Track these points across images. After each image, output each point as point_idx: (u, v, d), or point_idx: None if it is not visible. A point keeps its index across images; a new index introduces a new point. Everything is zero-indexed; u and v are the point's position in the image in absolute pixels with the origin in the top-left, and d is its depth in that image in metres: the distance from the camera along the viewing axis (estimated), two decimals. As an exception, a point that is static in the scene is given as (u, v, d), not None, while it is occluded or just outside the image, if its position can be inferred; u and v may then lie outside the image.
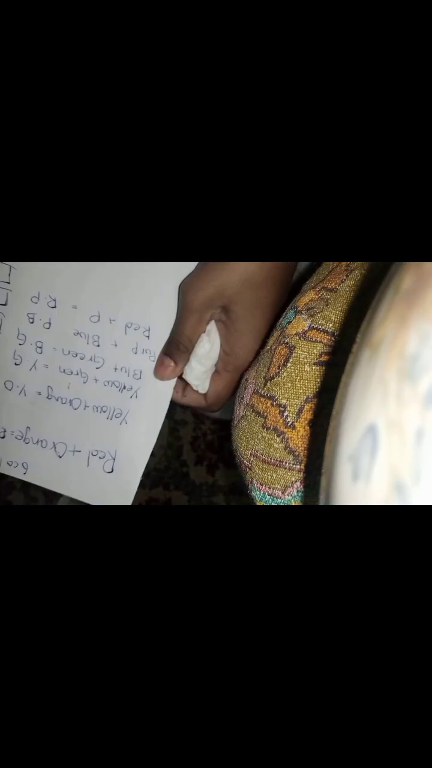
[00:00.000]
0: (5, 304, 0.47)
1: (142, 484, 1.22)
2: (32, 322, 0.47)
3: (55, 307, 0.47)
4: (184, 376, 0.45)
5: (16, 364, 0.47)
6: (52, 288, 0.47)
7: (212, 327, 0.44)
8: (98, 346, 0.47)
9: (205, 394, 0.46)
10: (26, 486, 1.22)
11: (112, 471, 0.47)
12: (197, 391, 0.45)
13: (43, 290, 0.47)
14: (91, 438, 0.47)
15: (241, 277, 0.40)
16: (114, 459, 0.47)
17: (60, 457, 0.47)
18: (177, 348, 0.44)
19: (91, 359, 0.47)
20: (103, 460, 0.47)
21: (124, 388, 0.47)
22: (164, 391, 0.46)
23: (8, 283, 0.47)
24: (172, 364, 0.44)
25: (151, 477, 1.23)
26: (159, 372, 0.45)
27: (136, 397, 0.47)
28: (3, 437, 0.48)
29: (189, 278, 0.43)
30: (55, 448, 0.47)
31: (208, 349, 0.44)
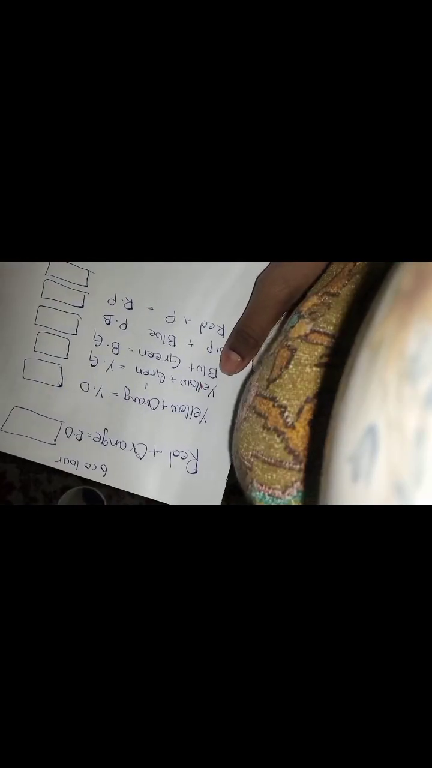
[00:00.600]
0: (82, 306, 0.47)
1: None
2: (108, 324, 0.47)
3: (131, 308, 0.47)
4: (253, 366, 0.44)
5: (92, 365, 0.47)
6: (129, 290, 0.47)
7: None
8: (174, 345, 0.47)
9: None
10: (26, 486, 1.22)
11: (196, 472, 0.46)
12: None
13: (119, 292, 0.47)
14: (171, 438, 0.46)
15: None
16: (197, 459, 0.46)
17: (140, 458, 0.47)
18: (245, 341, 0.43)
19: (167, 359, 0.47)
20: (185, 461, 0.46)
21: (201, 387, 0.46)
22: (240, 387, 0.46)
23: (86, 286, 0.47)
24: (239, 358, 0.43)
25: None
26: (225, 367, 0.45)
27: (213, 395, 0.46)
28: (80, 439, 0.47)
29: (269, 270, 0.43)
30: (134, 449, 0.47)
31: None
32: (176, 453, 0.46)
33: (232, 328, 0.46)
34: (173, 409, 0.47)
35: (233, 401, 0.46)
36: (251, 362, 0.45)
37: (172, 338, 0.47)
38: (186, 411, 0.46)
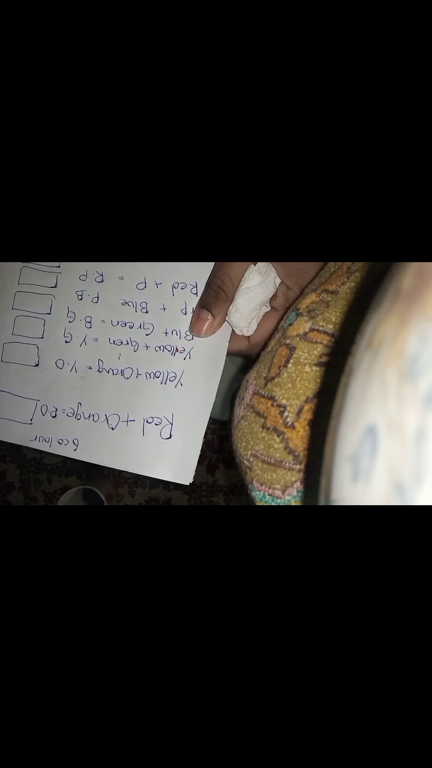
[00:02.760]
0: (55, 287, 0.47)
1: (142, 484, 1.22)
2: (81, 299, 0.47)
3: (102, 281, 0.47)
4: (227, 318, 0.41)
5: (66, 341, 0.47)
6: (99, 264, 0.46)
7: (264, 263, 0.40)
8: (146, 312, 0.45)
9: (248, 337, 0.42)
10: (26, 486, 1.22)
11: (170, 437, 0.44)
12: (242, 334, 0.41)
13: (90, 268, 0.47)
14: (145, 405, 0.44)
15: None
16: (172, 423, 0.44)
17: (113, 429, 0.45)
18: (216, 295, 0.40)
19: (140, 326, 0.46)
20: (159, 427, 0.44)
21: (176, 350, 0.44)
22: (219, 346, 0.44)
23: (58, 266, 0.47)
24: (210, 317, 0.40)
25: (150, 477, 1.23)
26: (194, 328, 0.41)
27: (190, 357, 0.44)
28: (54, 416, 0.46)
29: None
30: (107, 420, 0.45)
31: (258, 280, 0.40)
32: (150, 420, 0.45)
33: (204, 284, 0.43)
34: (147, 376, 0.45)
35: (212, 360, 0.44)
36: (226, 320, 0.42)
37: (144, 305, 0.46)
38: (161, 377, 0.45)
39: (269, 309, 0.43)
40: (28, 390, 0.48)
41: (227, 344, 0.43)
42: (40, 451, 1.26)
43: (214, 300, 0.40)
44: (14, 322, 0.48)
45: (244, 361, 0.45)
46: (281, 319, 0.40)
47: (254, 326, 0.42)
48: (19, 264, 0.48)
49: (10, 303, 0.48)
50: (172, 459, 0.44)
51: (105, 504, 1.06)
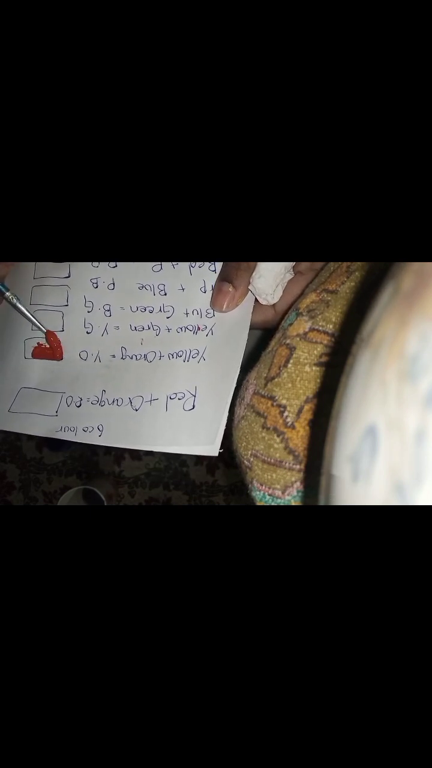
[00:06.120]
0: (69, 276, 0.47)
1: (142, 484, 1.22)
2: (96, 287, 0.46)
3: (115, 266, 0.45)
4: (250, 287, 0.40)
5: (87, 332, 0.46)
6: None
7: None
8: (165, 294, 0.44)
9: (274, 305, 0.40)
10: (26, 486, 1.22)
11: (193, 408, 0.42)
12: (266, 302, 0.39)
13: None
14: (168, 384, 0.43)
15: None
16: (195, 396, 0.42)
17: (136, 410, 0.43)
18: (237, 266, 0.38)
19: (160, 310, 0.44)
20: (182, 401, 0.42)
21: (198, 329, 0.43)
22: (242, 319, 0.42)
23: None
24: (230, 288, 0.39)
25: (150, 477, 1.23)
26: (216, 303, 0.40)
27: (212, 333, 0.42)
28: (79, 406, 0.45)
29: None
30: (131, 403, 0.44)
31: None
32: (173, 396, 0.43)
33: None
34: (170, 356, 0.43)
35: (234, 336, 0.42)
36: (249, 290, 0.41)
37: (162, 287, 0.44)
38: (184, 355, 0.43)
39: (293, 275, 0.41)
40: (54, 384, 0.46)
41: (250, 316, 0.42)
42: (40, 451, 1.27)
43: (235, 271, 0.39)
44: (33, 317, 0.47)
45: (252, 349, 0.44)
46: (310, 282, 0.39)
47: (279, 293, 0.40)
48: None
49: (28, 298, 0.47)
50: (195, 430, 0.42)
51: (105, 504, 1.06)
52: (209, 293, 0.43)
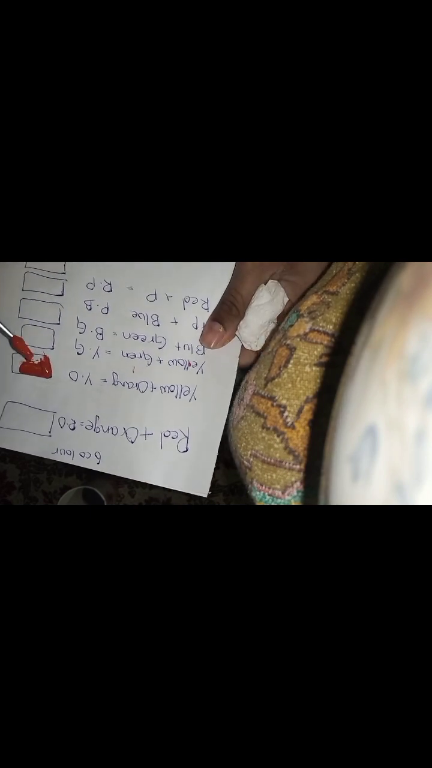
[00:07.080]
0: (62, 295, 0.47)
1: (142, 485, 1.22)
2: (90, 309, 0.47)
3: (111, 291, 0.46)
4: (237, 333, 0.43)
5: (78, 353, 0.47)
6: (106, 272, 0.46)
7: (273, 283, 0.42)
8: (158, 325, 0.46)
9: (257, 352, 0.43)
10: (26, 486, 1.22)
11: (186, 450, 0.46)
12: (250, 348, 0.43)
13: (97, 276, 0.46)
14: (161, 419, 0.46)
15: None
16: (188, 437, 0.45)
17: (132, 442, 0.46)
18: (228, 310, 0.42)
19: (152, 340, 0.46)
20: (176, 440, 0.46)
21: (189, 365, 0.45)
22: (229, 362, 0.45)
23: (64, 273, 0.47)
24: (221, 329, 0.42)
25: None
26: (206, 339, 0.43)
27: (202, 372, 0.45)
28: (73, 429, 0.47)
29: None
30: (126, 434, 0.46)
31: (268, 299, 0.42)
32: (167, 433, 0.46)
33: (216, 300, 0.44)
34: (162, 390, 0.46)
35: (224, 374, 0.45)
36: (236, 336, 0.44)
37: (155, 317, 0.46)
38: (175, 391, 0.46)
39: (275, 324, 0.44)
40: (43, 402, 0.47)
41: (237, 360, 0.44)
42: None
43: (226, 314, 0.43)
44: (21, 332, 0.47)
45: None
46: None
47: (263, 341, 0.43)
48: (22, 269, 0.47)
49: (16, 311, 0.48)
50: (189, 471, 0.45)
51: (105, 504, 1.06)
52: (200, 330, 0.45)
